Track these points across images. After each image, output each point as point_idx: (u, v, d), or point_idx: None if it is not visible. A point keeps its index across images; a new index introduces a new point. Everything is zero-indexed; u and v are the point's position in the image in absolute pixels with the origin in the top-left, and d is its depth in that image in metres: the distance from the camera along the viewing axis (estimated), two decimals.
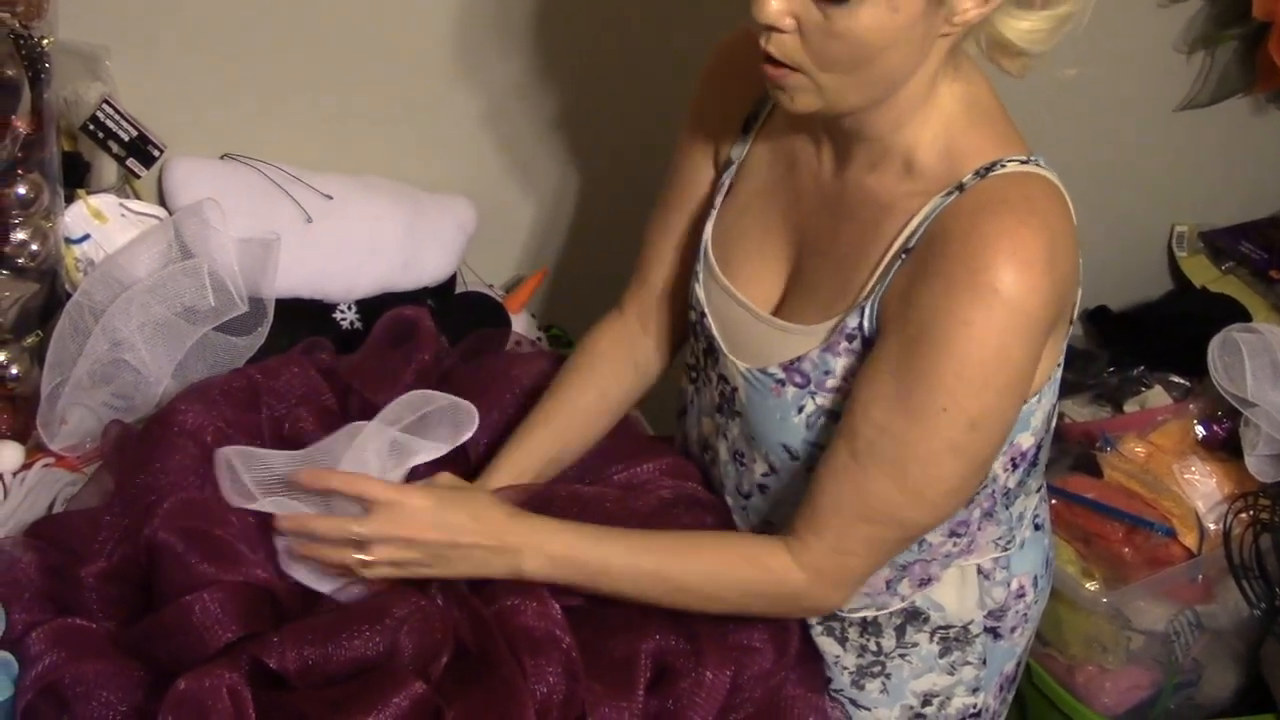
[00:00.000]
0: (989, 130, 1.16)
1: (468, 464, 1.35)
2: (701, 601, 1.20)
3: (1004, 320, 1.07)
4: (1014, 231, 1.08)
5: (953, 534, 1.27)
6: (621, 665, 1.17)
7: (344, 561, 1.17)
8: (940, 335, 1.08)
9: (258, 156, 1.68)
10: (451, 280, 1.78)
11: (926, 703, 1.36)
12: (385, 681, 1.09)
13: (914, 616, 1.33)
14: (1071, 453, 1.93)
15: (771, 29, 1.07)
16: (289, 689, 1.11)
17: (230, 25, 1.65)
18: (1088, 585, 1.77)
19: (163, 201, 1.64)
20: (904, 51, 1.08)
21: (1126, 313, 2.28)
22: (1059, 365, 1.24)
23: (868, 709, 1.37)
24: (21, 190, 1.42)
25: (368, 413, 1.29)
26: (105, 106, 1.56)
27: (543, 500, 1.26)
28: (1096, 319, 2.25)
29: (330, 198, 1.67)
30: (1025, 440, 1.25)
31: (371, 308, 1.66)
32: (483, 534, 1.17)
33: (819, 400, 1.20)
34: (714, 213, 1.32)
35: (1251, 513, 1.79)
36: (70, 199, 1.53)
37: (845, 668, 1.36)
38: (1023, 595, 1.35)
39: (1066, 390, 1.86)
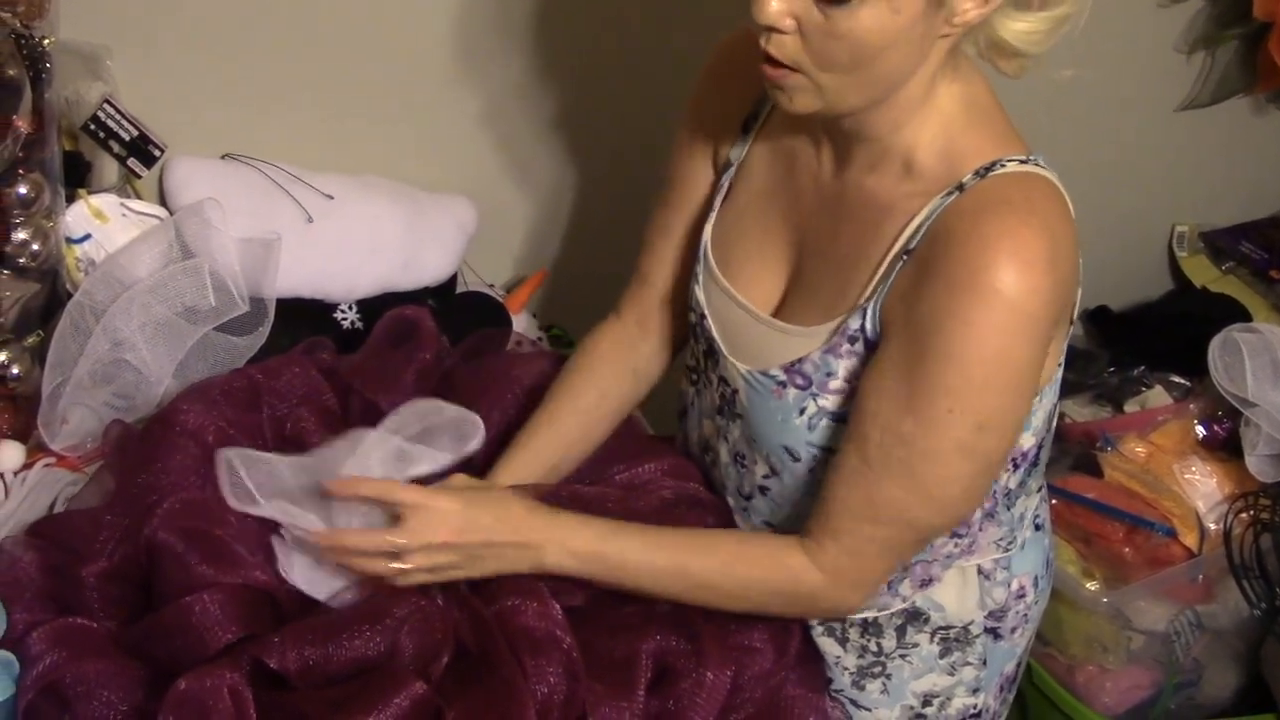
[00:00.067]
0: (988, 130, 1.16)
1: (469, 465, 1.34)
2: (721, 598, 1.21)
3: (1005, 320, 1.07)
4: (1015, 232, 1.08)
5: (954, 535, 1.27)
6: (622, 665, 1.17)
7: (379, 572, 1.17)
8: (943, 336, 1.08)
9: (258, 156, 1.68)
10: (452, 280, 1.78)
11: (927, 703, 1.36)
12: (386, 681, 1.09)
13: (914, 617, 1.33)
14: (1072, 453, 1.92)
15: (771, 29, 1.07)
16: (290, 689, 1.11)
17: (230, 25, 1.65)
18: (1088, 585, 1.76)
19: (163, 201, 1.64)
20: (904, 52, 1.08)
21: (1127, 313, 2.28)
22: (1060, 365, 1.24)
23: (868, 709, 1.37)
24: (22, 190, 1.43)
25: (369, 413, 1.29)
26: (106, 106, 1.56)
27: (545, 500, 1.26)
28: (1097, 319, 2.25)
29: (331, 197, 1.67)
30: (1026, 440, 1.25)
31: (372, 307, 1.66)
32: (509, 531, 1.18)
33: (820, 402, 1.20)
34: (713, 214, 1.31)
35: (1252, 513, 1.79)
36: (71, 199, 1.53)
37: (846, 668, 1.36)
38: (1023, 595, 1.35)
39: (1067, 390, 1.86)
